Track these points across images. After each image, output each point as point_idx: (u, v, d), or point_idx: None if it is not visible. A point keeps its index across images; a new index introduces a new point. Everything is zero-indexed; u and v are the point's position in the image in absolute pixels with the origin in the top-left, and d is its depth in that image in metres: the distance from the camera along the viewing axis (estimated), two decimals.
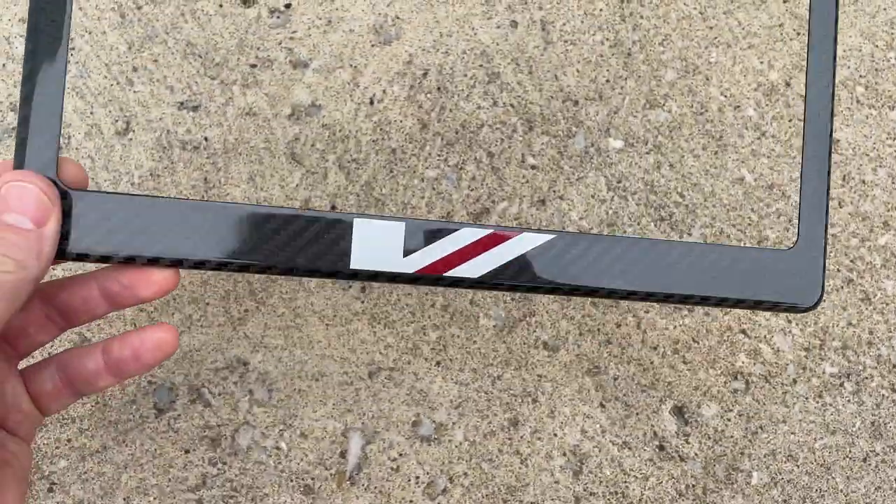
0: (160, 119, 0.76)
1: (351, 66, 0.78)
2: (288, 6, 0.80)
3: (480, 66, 0.78)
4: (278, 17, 0.79)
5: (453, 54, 0.78)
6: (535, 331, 0.71)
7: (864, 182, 0.76)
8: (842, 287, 0.73)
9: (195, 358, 0.70)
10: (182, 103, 0.77)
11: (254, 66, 0.78)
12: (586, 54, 0.78)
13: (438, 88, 0.77)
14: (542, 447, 0.69)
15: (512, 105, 0.77)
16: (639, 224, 0.74)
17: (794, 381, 0.71)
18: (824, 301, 0.73)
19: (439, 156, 0.75)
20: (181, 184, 0.74)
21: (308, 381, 0.70)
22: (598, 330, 0.71)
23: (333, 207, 0.74)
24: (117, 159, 0.75)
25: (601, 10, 0.79)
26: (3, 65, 0.77)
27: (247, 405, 0.69)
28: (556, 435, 0.69)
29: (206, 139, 0.75)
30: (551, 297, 0.72)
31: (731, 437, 0.70)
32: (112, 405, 0.68)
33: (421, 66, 0.78)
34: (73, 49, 0.78)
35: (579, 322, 0.71)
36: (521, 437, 0.69)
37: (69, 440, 0.67)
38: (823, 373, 0.72)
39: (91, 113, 0.76)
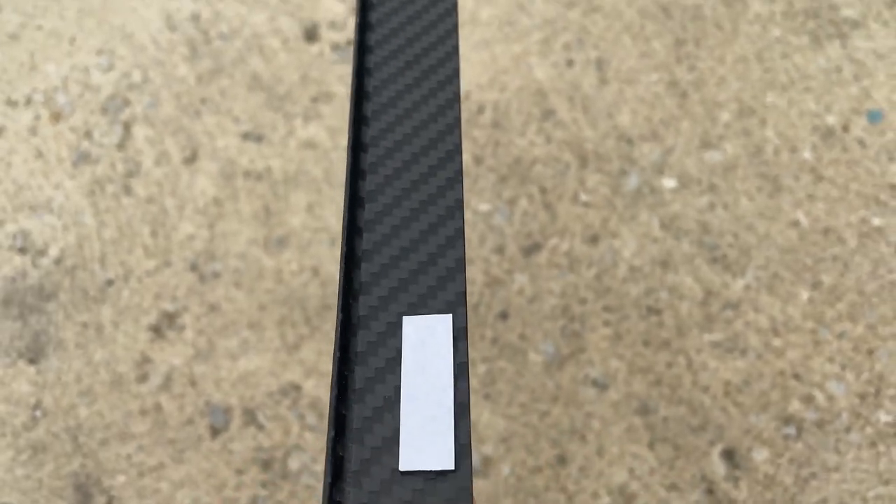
0: (225, 148, 0.79)
1: None
2: (350, 43, 0.82)
3: (535, 103, 0.79)
4: (340, 53, 0.82)
5: (509, 91, 0.80)
6: (584, 368, 0.72)
7: None
8: None
9: (250, 381, 0.72)
10: (246, 134, 0.80)
11: (315, 99, 0.80)
12: (641, 94, 0.79)
13: (493, 124, 0.79)
14: (588, 485, 0.69)
15: (566, 142, 0.78)
16: (691, 264, 0.74)
17: (848, 429, 0.70)
18: (880, 347, 0.72)
19: (493, 190, 0.77)
20: (243, 212, 0.77)
21: None
22: (649, 369, 0.72)
23: None
24: (183, 186, 0.78)
25: (657, 50, 0.80)
26: (81, 94, 0.81)
27: (298, 429, 0.71)
28: (603, 474, 0.69)
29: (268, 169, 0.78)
30: (602, 333, 0.72)
31: (782, 483, 0.69)
32: (170, 424, 0.71)
33: (477, 102, 0.79)
34: (147, 81, 0.82)
35: (630, 361, 0.72)
36: (568, 474, 0.69)
37: (129, 456, 0.70)
38: (878, 421, 0.70)
39: (161, 141, 0.80)
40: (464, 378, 0.26)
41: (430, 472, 0.25)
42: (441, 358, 0.27)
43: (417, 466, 0.25)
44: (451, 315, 0.27)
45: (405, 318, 0.27)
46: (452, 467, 0.25)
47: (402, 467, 0.25)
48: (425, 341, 0.27)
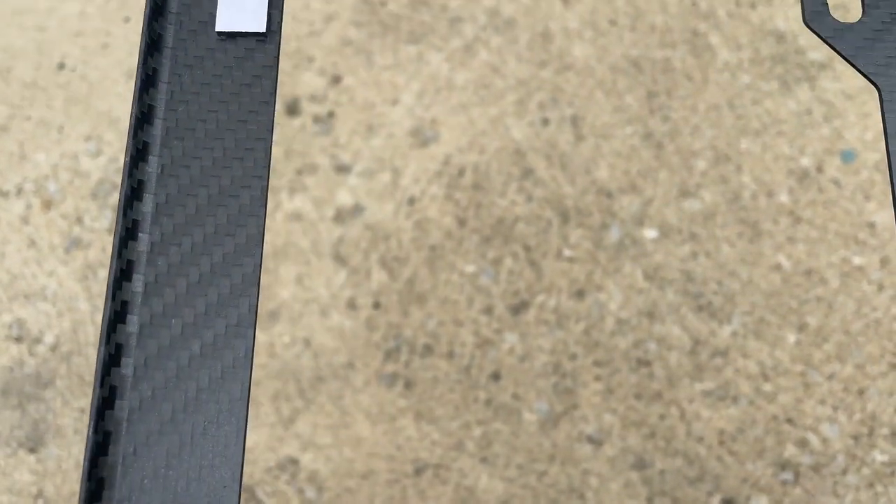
0: None
1: (391, 168, 0.82)
2: (331, 115, 0.84)
3: (514, 162, 0.81)
4: (322, 126, 0.84)
5: (488, 152, 0.81)
6: (578, 424, 0.72)
7: None
8: (887, 373, 0.73)
9: (248, 457, 0.72)
10: None
11: (300, 171, 0.82)
12: (617, 147, 0.81)
13: (474, 186, 0.80)
14: None
15: (546, 199, 0.79)
16: (678, 313, 0.75)
17: (845, 471, 0.70)
18: (870, 386, 0.72)
19: (477, 251, 0.78)
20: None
21: (356, 480, 0.72)
22: (642, 422, 0.72)
23: (377, 305, 0.77)
24: None
25: (630, 104, 0.82)
26: (71, 181, 0.83)
27: (298, 503, 0.71)
28: None
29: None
30: (593, 388, 0.73)
31: None
32: None
33: (457, 166, 0.81)
34: None
35: (623, 415, 0.72)
36: None
37: None
38: (874, 461, 0.71)
39: None
40: None
41: (245, 34, 0.31)
42: None
43: (233, 27, 0.30)
44: None
45: None
46: (264, 30, 0.30)
47: (219, 27, 0.30)
48: None
